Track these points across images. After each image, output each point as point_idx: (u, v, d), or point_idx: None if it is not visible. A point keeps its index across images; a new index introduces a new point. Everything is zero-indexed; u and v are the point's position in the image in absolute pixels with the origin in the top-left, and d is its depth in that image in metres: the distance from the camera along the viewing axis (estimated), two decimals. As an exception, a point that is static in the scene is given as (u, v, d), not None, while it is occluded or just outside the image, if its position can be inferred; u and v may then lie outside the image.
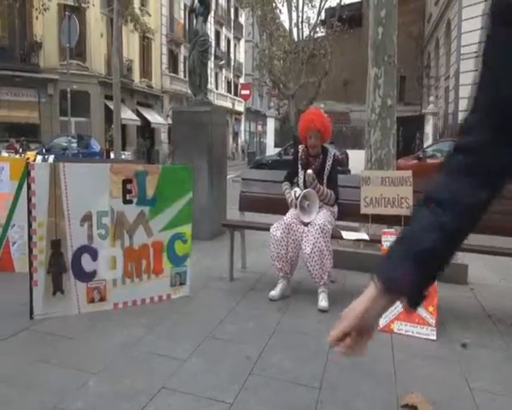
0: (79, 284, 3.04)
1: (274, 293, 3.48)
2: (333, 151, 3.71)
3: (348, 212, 3.80)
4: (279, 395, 2.14)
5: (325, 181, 3.61)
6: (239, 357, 2.51)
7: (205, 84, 6.18)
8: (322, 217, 3.40)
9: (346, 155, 14.80)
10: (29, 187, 2.89)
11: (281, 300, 3.46)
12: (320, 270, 3.33)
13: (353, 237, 3.47)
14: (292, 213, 3.53)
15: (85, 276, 3.06)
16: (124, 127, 21.52)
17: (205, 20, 6.45)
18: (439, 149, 11.18)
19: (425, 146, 14.17)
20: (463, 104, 15.04)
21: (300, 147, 3.73)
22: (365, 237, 3.47)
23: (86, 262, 3.05)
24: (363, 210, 3.74)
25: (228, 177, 6.39)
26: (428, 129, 16.57)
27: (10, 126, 20.78)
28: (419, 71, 25.47)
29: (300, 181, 3.68)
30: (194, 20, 6.64)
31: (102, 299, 3.11)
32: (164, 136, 29.46)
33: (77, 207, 3.01)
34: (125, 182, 3.19)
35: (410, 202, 3.62)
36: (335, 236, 3.47)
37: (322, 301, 3.33)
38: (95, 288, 3.09)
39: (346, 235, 3.43)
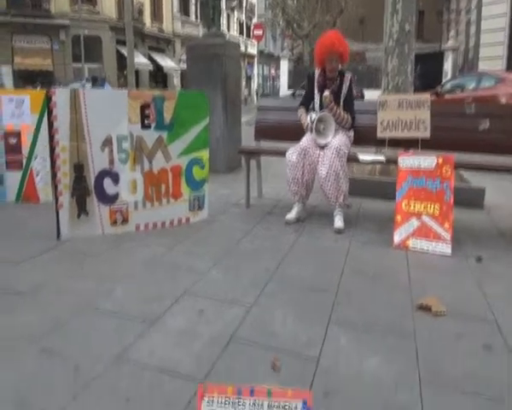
0: (102, 206, 3.11)
1: (290, 216, 3.51)
2: (349, 74, 3.60)
3: (364, 137, 3.74)
4: (297, 298, 2.21)
5: (341, 104, 3.53)
6: (257, 269, 2.58)
7: (218, 17, 5.99)
8: (337, 140, 3.36)
9: (362, 93, 14.42)
10: (51, 112, 2.91)
11: (297, 223, 3.50)
12: (336, 191, 3.34)
13: (370, 159, 3.44)
14: (307, 137, 3.49)
15: (108, 199, 3.12)
16: (136, 72, 21.16)
17: None
18: (458, 84, 10.74)
19: (443, 81, 13.66)
20: (485, 38, 14.32)
21: (316, 70, 3.64)
22: (382, 158, 3.43)
23: (108, 186, 3.10)
24: (380, 134, 3.68)
25: (242, 120, 6.29)
26: (447, 66, 15.94)
27: (25, 74, 20.65)
28: (439, 5, 24.14)
29: (316, 105, 3.61)
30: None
31: (125, 221, 3.19)
32: (176, 81, 28.96)
33: (97, 132, 3.02)
34: (143, 107, 3.17)
35: (427, 125, 3.55)
36: (351, 158, 3.44)
37: (338, 222, 3.36)
38: (117, 210, 3.15)
39: (362, 157, 3.40)
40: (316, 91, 3.62)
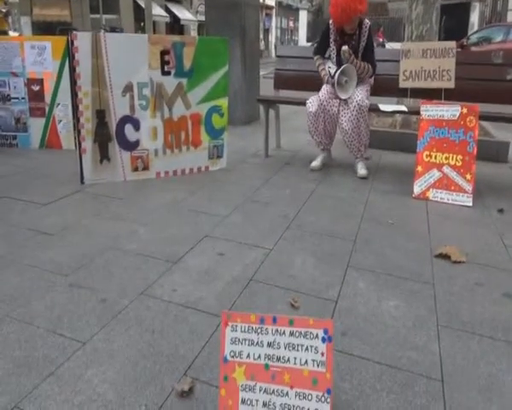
0: (124, 152, 3.10)
1: (315, 163, 3.51)
2: (368, 22, 3.36)
3: (385, 87, 3.62)
4: (315, 244, 2.21)
5: (360, 55, 3.37)
6: (277, 215, 2.57)
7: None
8: (359, 93, 3.25)
9: (383, 44, 13.86)
10: (73, 57, 2.86)
11: (317, 171, 3.46)
12: (358, 144, 3.31)
13: (391, 109, 3.33)
14: (326, 89, 3.38)
15: (129, 145, 3.11)
16: (153, 24, 20.72)
17: None
18: (485, 36, 10.23)
19: (469, 33, 13.00)
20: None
21: (331, 23, 3.35)
22: (403, 108, 3.33)
23: (129, 132, 3.08)
24: (402, 84, 3.56)
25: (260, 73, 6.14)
26: (474, 18, 15.13)
27: (43, 25, 20.34)
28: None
29: (333, 54, 3.44)
30: None
31: (146, 168, 3.19)
32: (193, 33, 28.23)
33: (118, 78, 2.97)
34: (163, 53, 3.10)
35: (452, 75, 3.41)
36: (372, 109, 3.34)
37: (362, 170, 3.36)
38: (138, 157, 3.15)
39: (383, 107, 3.29)
40: (332, 43, 3.43)
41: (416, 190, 2.98)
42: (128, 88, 3.02)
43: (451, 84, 3.42)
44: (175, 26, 25.75)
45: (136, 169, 3.16)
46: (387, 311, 1.67)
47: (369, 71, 3.38)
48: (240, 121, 5.35)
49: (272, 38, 38.98)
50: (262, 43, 23.43)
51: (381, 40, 15.06)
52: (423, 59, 3.53)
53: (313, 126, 3.40)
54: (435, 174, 2.96)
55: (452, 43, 3.51)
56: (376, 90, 3.58)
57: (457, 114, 2.95)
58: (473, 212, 2.72)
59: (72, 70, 2.89)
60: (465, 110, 2.93)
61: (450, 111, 2.98)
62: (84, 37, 2.89)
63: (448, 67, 3.44)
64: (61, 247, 2.13)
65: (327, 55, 3.53)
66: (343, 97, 3.30)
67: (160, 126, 3.17)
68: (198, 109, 3.28)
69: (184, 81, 3.20)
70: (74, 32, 2.89)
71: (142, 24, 22.08)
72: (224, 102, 3.37)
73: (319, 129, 3.39)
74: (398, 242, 2.27)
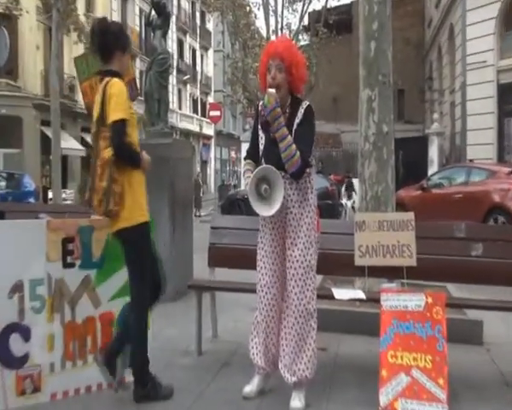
0: (7, 372, 2.96)
1: (249, 390, 3.20)
2: (306, 102, 3.17)
3: (340, 264, 3.85)
4: None
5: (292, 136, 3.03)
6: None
7: (165, 111, 6.23)
8: (303, 284, 3.04)
9: (339, 183, 15.06)
10: None
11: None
12: (295, 360, 3.07)
13: (347, 297, 3.51)
14: (267, 262, 3.16)
15: (14, 361, 2.98)
16: (65, 159, 21.38)
17: (164, 35, 6.57)
18: (446, 177, 11.47)
19: (429, 173, 14.52)
20: (472, 122, 15.56)
21: (261, 103, 3.14)
22: (361, 295, 3.51)
23: (16, 344, 2.99)
24: (359, 261, 3.79)
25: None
26: (433, 152, 17.05)
27: None
28: (420, 83, 26.38)
29: (261, 145, 3.18)
30: (152, 34, 6.76)
31: (36, 389, 3.04)
32: (116, 168, 29.36)
33: (4, 277, 2.96)
34: (66, 241, 3.17)
35: (412, 250, 3.70)
36: (325, 295, 3.50)
37: (295, 400, 3.04)
38: (26, 376, 3.01)
39: (338, 294, 3.47)
40: (261, 130, 3.20)
41: (383, 400, 3.01)
42: (17, 288, 3.00)
43: (413, 262, 3.70)
44: (92, 161, 26.69)
45: (23, 393, 3.00)
46: None
47: (294, 156, 2.93)
48: (169, 297, 5.32)
49: (211, 171, 41.38)
50: (200, 177, 24.66)
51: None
52: (380, 232, 3.83)
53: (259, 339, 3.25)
54: (403, 380, 3.03)
55: (411, 215, 3.84)
56: (330, 269, 3.79)
57: (422, 304, 3.15)
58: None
59: None
60: (430, 299, 3.14)
61: (413, 301, 3.17)
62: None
63: (407, 241, 3.74)
64: None
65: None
66: (264, 214, 2.97)
67: (58, 333, 3.12)
68: (110, 307, 3.30)
69: (93, 273, 3.24)
70: None
71: (50, 157, 22.73)
72: (143, 295, 3.40)
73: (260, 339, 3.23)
74: None
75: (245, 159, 3.35)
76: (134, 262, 3.11)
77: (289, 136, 2.97)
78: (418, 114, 26.98)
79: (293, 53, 3.11)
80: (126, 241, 3.10)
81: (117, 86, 3.01)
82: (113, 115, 2.95)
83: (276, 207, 2.91)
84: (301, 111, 3.09)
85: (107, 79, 3.07)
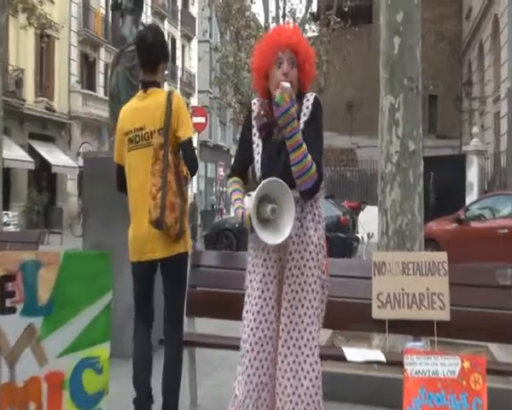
0: None
1: None
2: (312, 94, 3.13)
3: (354, 316, 3.83)
4: None
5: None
6: None
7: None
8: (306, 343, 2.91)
9: (354, 211, 15.08)
10: None
11: None
12: None
13: (362, 359, 3.47)
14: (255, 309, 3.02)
15: None
16: (7, 172, 21.24)
17: (136, 21, 6.52)
18: (488, 207, 11.49)
19: (468, 203, 14.50)
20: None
21: (256, 101, 3.17)
22: (380, 357, 3.48)
23: None
24: (377, 313, 3.77)
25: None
26: (472, 175, 17.06)
27: None
28: (456, 89, 26.62)
29: (257, 155, 3.09)
30: (120, 20, 6.73)
31: None
32: (72, 185, 29.38)
33: None
34: (5, 279, 3.14)
35: (445, 301, 3.67)
36: (334, 356, 3.48)
37: None
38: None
39: (350, 355, 3.43)
40: (256, 136, 3.11)
41: None
42: None
43: (446, 315, 3.67)
44: (43, 174, 26.74)
45: None
46: None
47: (311, 169, 2.87)
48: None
49: (192, 190, 41.34)
50: (197, 198, 24.77)
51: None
52: (404, 276, 3.81)
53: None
54: None
55: (443, 255, 3.82)
56: (341, 323, 3.76)
57: (457, 370, 3.12)
58: None
59: None
60: (467, 364, 3.11)
61: (446, 365, 3.14)
62: None
63: (439, 289, 3.72)
64: None
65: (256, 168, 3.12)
66: (272, 242, 2.85)
67: (-9, 396, 3.07)
68: (60, 365, 3.24)
69: (38, 322, 3.19)
70: None
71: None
72: (103, 351, 3.36)
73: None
74: None
75: (229, 176, 3.26)
76: (182, 292, 3.71)
77: (304, 143, 2.86)
78: (454, 126, 27.19)
79: (307, 46, 3.10)
80: (181, 265, 3.61)
81: (181, 100, 3.60)
82: (189, 131, 3.52)
83: (287, 231, 2.82)
84: (307, 105, 3.04)
85: (153, 89, 3.58)
